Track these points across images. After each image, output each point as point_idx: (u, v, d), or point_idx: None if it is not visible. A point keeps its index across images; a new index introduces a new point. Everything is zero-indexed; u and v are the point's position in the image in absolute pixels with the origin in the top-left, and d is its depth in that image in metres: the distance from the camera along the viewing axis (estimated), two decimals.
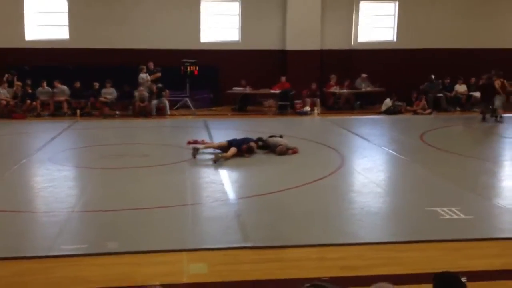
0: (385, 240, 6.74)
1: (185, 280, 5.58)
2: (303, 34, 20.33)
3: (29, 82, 18.39)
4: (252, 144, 11.80)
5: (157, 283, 5.41)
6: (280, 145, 11.92)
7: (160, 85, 18.77)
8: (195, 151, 11.39)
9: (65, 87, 18.51)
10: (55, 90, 18.45)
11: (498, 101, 17.22)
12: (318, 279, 2.30)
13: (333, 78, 20.10)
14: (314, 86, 19.59)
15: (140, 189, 9.08)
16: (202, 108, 19.68)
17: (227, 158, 11.22)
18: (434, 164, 11.06)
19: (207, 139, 13.22)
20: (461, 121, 17.57)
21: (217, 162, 10.91)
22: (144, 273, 5.73)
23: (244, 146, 11.63)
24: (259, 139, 12.14)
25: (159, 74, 18.90)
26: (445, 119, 18.13)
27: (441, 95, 19.81)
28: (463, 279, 3.44)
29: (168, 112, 18.49)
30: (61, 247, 6.36)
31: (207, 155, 11.55)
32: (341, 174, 10.33)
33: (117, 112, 18.23)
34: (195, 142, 12.43)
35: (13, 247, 6.43)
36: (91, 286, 5.28)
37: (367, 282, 5.41)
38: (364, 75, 20.37)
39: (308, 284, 2.28)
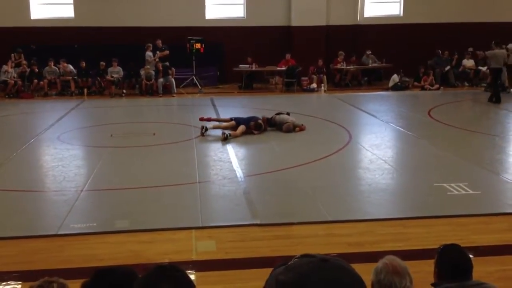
0: (393, 216, 6.77)
1: (194, 257, 5.64)
2: (308, 10, 20.13)
3: (35, 61, 18.34)
4: (260, 121, 11.78)
5: (166, 260, 5.46)
6: (286, 122, 11.90)
7: (167, 63, 18.70)
8: (204, 129, 11.44)
9: (71, 67, 18.48)
10: (61, 70, 18.42)
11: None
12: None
13: (341, 55, 19.93)
14: (320, 62, 19.47)
15: (149, 168, 9.12)
16: (208, 85, 19.66)
17: (236, 136, 11.25)
18: (441, 140, 11.03)
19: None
20: (469, 96, 17.45)
21: (226, 140, 10.94)
22: (154, 251, 5.78)
23: (252, 123, 11.63)
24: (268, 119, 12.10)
25: (167, 52, 18.79)
26: (453, 94, 18.01)
27: (448, 67, 19.65)
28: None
29: (175, 90, 18.45)
30: (71, 226, 6.43)
31: (215, 133, 11.56)
32: (348, 150, 10.32)
33: (124, 91, 18.24)
34: (208, 119, 12.26)
35: (23, 226, 6.50)
36: (101, 264, 5.34)
37: (375, 258, 5.42)
38: (370, 52, 20.21)
39: (298, 255, 2.31)
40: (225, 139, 10.96)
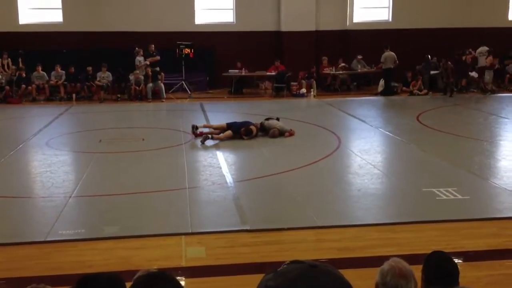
0: (382, 221, 6.78)
1: (183, 264, 5.61)
2: (298, 15, 20.18)
3: (23, 66, 18.23)
4: (252, 127, 11.76)
5: (155, 267, 5.43)
6: (274, 128, 11.89)
7: (157, 68, 18.64)
8: (195, 128, 11.63)
9: (63, 72, 18.37)
10: (53, 73, 18.30)
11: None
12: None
13: (324, 60, 20.04)
14: (313, 68, 19.56)
15: (138, 173, 9.08)
16: (198, 91, 19.61)
17: (220, 139, 11.27)
18: (430, 144, 11.07)
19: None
20: (458, 101, 17.54)
21: (205, 142, 11.06)
22: (143, 257, 5.75)
23: (243, 129, 11.62)
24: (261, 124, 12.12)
25: (158, 58, 18.74)
26: (441, 99, 18.11)
27: (436, 72, 19.74)
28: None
29: (164, 95, 18.39)
30: (59, 232, 6.38)
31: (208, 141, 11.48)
32: (337, 156, 10.33)
33: (119, 96, 18.18)
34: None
35: (11, 232, 6.45)
36: (90, 270, 5.30)
37: (365, 263, 5.46)
38: (359, 56, 20.32)
39: (288, 261, 2.30)
40: (204, 141, 11.07)
